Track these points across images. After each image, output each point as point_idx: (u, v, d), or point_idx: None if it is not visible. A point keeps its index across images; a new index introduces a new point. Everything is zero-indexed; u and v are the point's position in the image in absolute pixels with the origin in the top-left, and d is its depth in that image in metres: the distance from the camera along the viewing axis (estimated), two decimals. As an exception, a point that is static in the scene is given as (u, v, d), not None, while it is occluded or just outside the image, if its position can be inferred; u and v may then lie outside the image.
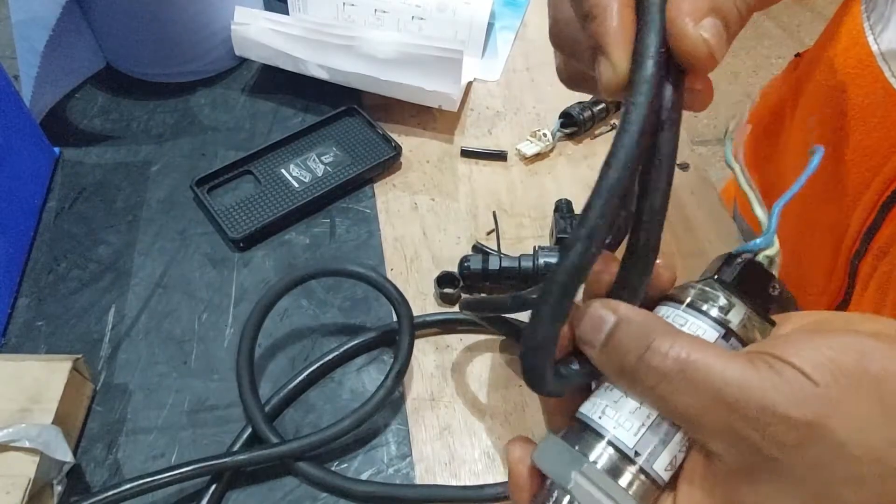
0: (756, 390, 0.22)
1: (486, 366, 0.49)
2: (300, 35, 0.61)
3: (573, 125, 0.63)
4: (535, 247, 0.52)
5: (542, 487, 0.27)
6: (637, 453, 0.25)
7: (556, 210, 0.57)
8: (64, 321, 0.49)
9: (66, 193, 0.57)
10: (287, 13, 0.68)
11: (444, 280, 0.52)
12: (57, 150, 0.59)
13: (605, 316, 0.25)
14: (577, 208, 0.57)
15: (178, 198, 0.57)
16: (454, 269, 0.52)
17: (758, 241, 0.28)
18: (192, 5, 0.61)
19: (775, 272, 0.28)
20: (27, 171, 0.55)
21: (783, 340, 0.24)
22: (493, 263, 0.51)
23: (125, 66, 0.66)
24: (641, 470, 0.25)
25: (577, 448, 0.26)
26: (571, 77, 0.36)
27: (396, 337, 0.46)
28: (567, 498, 0.25)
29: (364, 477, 0.44)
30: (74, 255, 0.53)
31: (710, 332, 0.26)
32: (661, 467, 0.25)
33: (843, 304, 0.53)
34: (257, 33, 0.62)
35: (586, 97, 0.65)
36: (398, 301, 0.46)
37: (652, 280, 0.27)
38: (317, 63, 0.62)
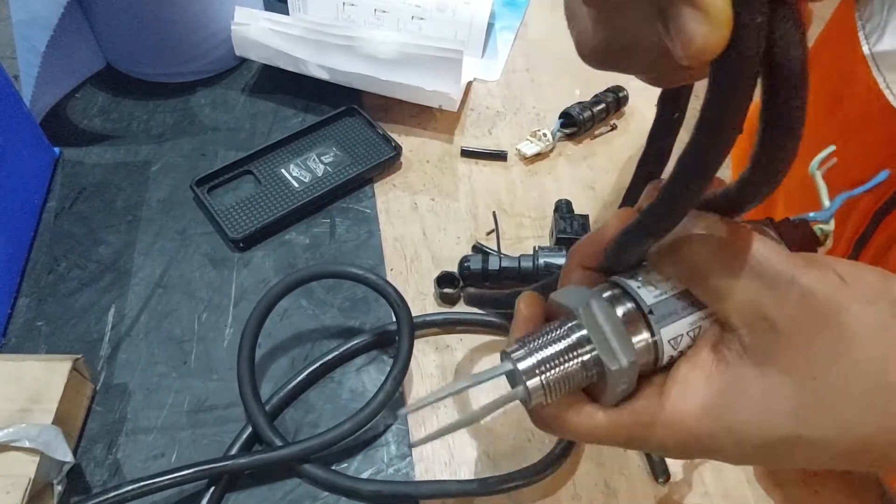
0: (790, 267, 0.23)
1: (485, 366, 0.49)
2: (300, 35, 0.61)
3: (573, 125, 0.63)
4: (535, 247, 0.52)
5: (549, 322, 0.28)
6: (651, 312, 0.25)
7: (556, 210, 0.57)
8: (64, 321, 0.49)
9: (66, 193, 0.57)
10: (287, 13, 0.68)
11: (444, 280, 0.52)
12: (57, 150, 0.59)
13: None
14: (577, 208, 0.57)
15: (178, 198, 0.57)
16: (454, 269, 0.52)
17: (817, 213, 0.30)
18: (192, 5, 0.61)
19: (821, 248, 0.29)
20: (27, 171, 0.55)
21: (825, 256, 0.25)
22: (493, 263, 0.51)
23: (125, 66, 0.66)
24: (649, 328, 0.25)
25: (596, 291, 0.27)
26: (609, 48, 0.25)
27: (396, 338, 0.46)
28: (575, 326, 0.26)
29: (364, 477, 0.44)
30: (74, 255, 0.53)
31: None
32: (668, 337, 0.25)
33: None
34: (257, 33, 0.62)
35: (586, 97, 0.65)
36: (398, 304, 0.46)
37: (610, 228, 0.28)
38: (317, 63, 0.62)
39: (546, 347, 0.26)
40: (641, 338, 0.25)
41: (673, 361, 0.26)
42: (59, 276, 0.52)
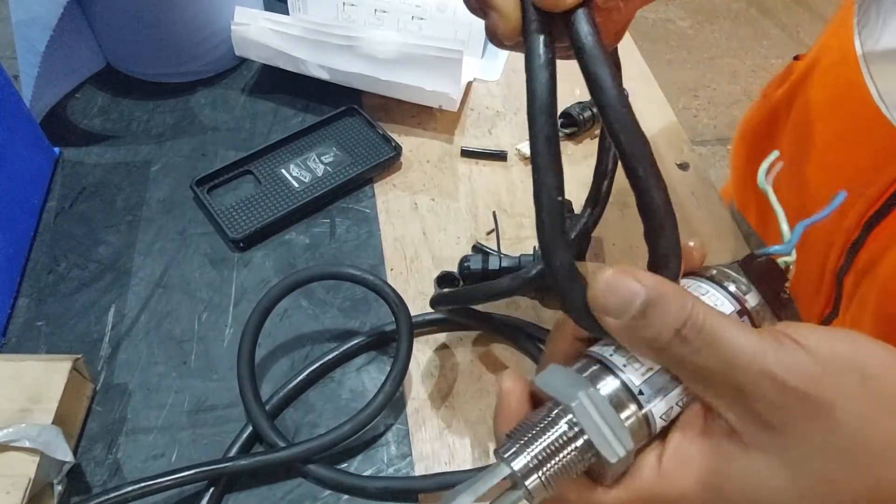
0: (760, 356, 0.23)
1: (485, 365, 0.49)
2: (300, 35, 0.61)
3: (573, 125, 0.63)
4: (535, 247, 0.52)
5: (536, 410, 0.27)
6: (641, 392, 0.26)
7: (555, 210, 0.57)
8: (64, 321, 0.49)
9: (66, 193, 0.57)
10: (287, 13, 0.68)
11: (444, 280, 0.52)
12: (57, 150, 0.59)
13: (633, 288, 0.24)
14: (578, 208, 0.57)
15: (178, 198, 0.57)
16: (454, 269, 0.52)
17: (779, 247, 0.30)
18: (192, 5, 0.61)
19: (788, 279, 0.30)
20: (27, 171, 0.55)
21: (792, 325, 0.25)
22: (493, 263, 0.51)
23: (125, 66, 0.66)
24: (641, 408, 0.26)
25: (584, 376, 0.27)
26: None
27: (396, 338, 0.46)
28: (567, 417, 0.26)
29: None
30: (74, 255, 0.53)
31: (727, 306, 0.27)
32: (659, 413, 0.26)
33: (831, 316, 0.53)
34: (257, 33, 0.62)
35: (586, 97, 0.65)
36: (397, 305, 0.46)
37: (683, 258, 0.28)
38: (317, 63, 0.62)
39: (539, 443, 0.26)
40: (634, 420, 0.26)
41: (665, 429, 0.26)
42: (59, 276, 0.52)
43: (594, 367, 0.27)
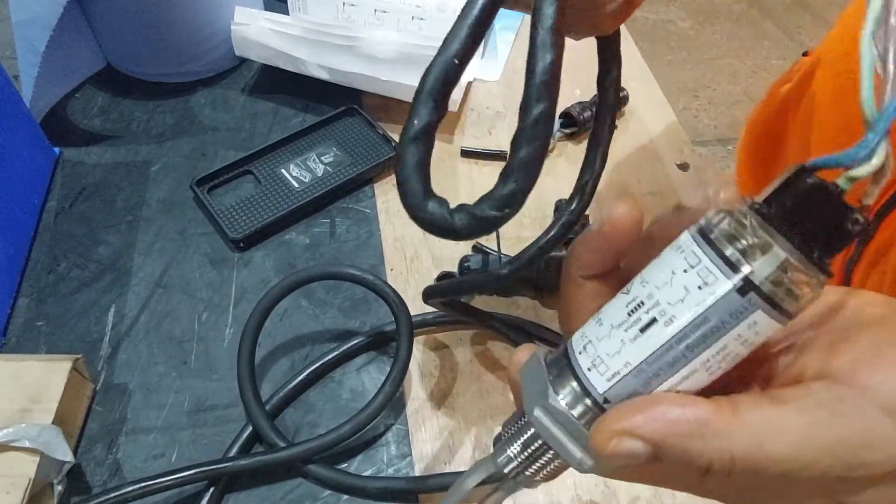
0: (816, 458, 0.20)
1: (485, 365, 0.49)
2: (300, 35, 0.61)
3: (573, 125, 0.63)
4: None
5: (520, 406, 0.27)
6: (607, 401, 0.23)
7: (556, 210, 0.57)
8: (64, 321, 0.49)
9: (66, 193, 0.57)
10: (287, 13, 0.68)
11: (443, 280, 0.52)
12: (57, 150, 0.59)
13: (634, 450, 0.21)
14: (577, 208, 0.57)
15: (178, 198, 0.57)
16: (454, 269, 0.52)
17: (848, 150, 0.19)
18: (192, 5, 0.61)
19: (870, 196, 0.19)
20: (27, 171, 0.55)
21: (849, 374, 0.21)
22: (493, 263, 0.51)
23: (125, 66, 0.66)
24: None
25: (551, 378, 0.25)
26: None
27: (396, 338, 0.46)
28: (531, 431, 0.25)
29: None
30: (74, 255, 0.53)
31: (721, 285, 0.20)
32: None
33: None
34: (257, 33, 0.62)
35: (586, 97, 0.65)
36: (396, 305, 0.46)
37: (611, 225, 0.25)
38: (317, 63, 0.62)
39: (516, 443, 0.26)
40: (584, 413, 0.23)
41: None
42: (59, 276, 0.52)
43: (563, 364, 0.24)
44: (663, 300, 0.22)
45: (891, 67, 0.19)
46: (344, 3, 0.68)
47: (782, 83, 0.62)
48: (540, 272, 0.51)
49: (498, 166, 0.62)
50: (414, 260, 0.55)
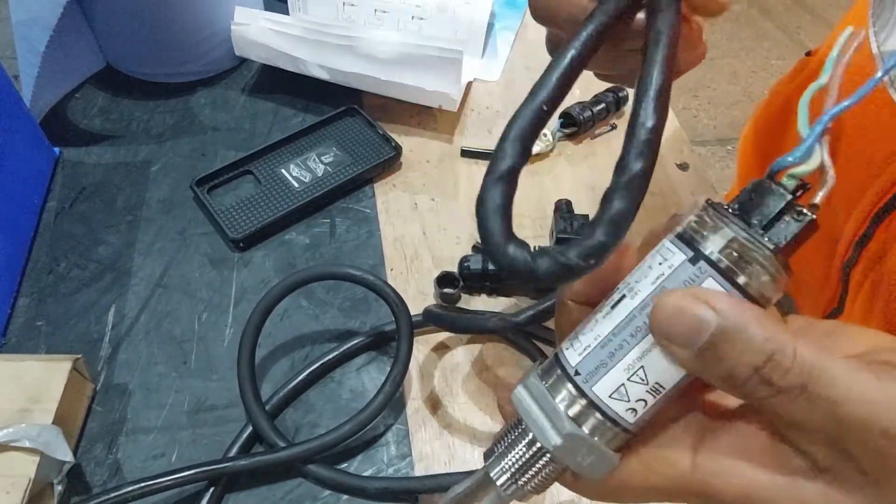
0: (874, 413, 0.20)
1: (485, 365, 0.49)
2: (300, 35, 0.61)
3: (573, 125, 0.63)
4: (535, 247, 0.52)
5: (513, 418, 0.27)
6: (577, 373, 0.24)
7: (556, 210, 0.57)
8: (64, 321, 0.49)
9: (66, 193, 0.57)
10: (287, 13, 0.68)
11: (444, 280, 0.52)
12: (57, 150, 0.59)
13: (703, 316, 0.21)
14: (577, 208, 0.57)
15: (178, 198, 0.57)
16: (454, 269, 0.52)
17: (791, 152, 0.24)
18: (192, 5, 0.61)
19: (818, 195, 0.23)
20: (27, 171, 0.55)
21: None
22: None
23: (125, 66, 0.66)
24: (580, 392, 0.24)
25: (539, 370, 0.26)
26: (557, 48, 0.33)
27: (396, 338, 0.46)
28: (524, 440, 0.25)
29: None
30: (74, 255, 0.53)
31: (677, 258, 0.23)
32: (604, 394, 0.23)
33: (836, 311, 0.53)
34: (257, 33, 0.62)
35: (586, 97, 0.65)
36: (397, 305, 0.46)
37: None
38: (317, 63, 0.62)
39: (505, 447, 0.26)
40: (575, 405, 0.24)
41: (643, 421, 0.24)
42: (59, 276, 0.52)
43: (552, 359, 0.25)
44: (632, 281, 0.24)
45: (835, 87, 0.24)
46: (344, 3, 0.68)
47: (786, 83, 0.62)
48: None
49: (498, 166, 0.62)
50: (414, 260, 0.55)
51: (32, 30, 0.57)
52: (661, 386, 0.23)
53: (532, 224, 0.58)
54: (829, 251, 0.51)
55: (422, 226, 0.57)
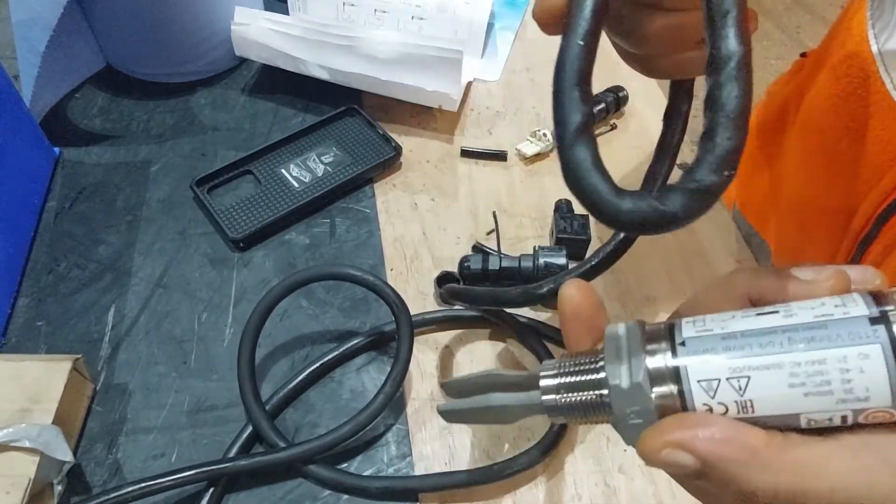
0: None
1: (485, 365, 0.49)
2: (300, 35, 0.61)
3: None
4: (535, 247, 0.52)
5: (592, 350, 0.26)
6: (683, 343, 0.23)
7: (556, 210, 0.57)
8: (64, 321, 0.49)
9: (66, 193, 0.57)
10: (287, 13, 0.68)
11: (444, 280, 0.52)
12: (57, 150, 0.59)
13: (683, 461, 0.22)
14: (577, 208, 0.57)
15: (178, 198, 0.57)
16: (454, 269, 0.52)
17: None
18: (192, 5, 0.61)
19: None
20: (27, 171, 0.55)
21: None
22: (493, 263, 0.51)
23: (125, 66, 0.66)
24: (674, 356, 0.23)
25: (643, 323, 0.24)
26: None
27: (396, 338, 0.46)
28: (601, 355, 0.24)
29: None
30: (74, 255, 0.53)
31: (858, 308, 0.22)
32: (696, 376, 0.22)
33: None
34: (257, 33, 0.62)
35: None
36: (396, 305, 0.46)
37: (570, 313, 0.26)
38: (317, 63, 0.62)
39: (569, 368, 0.25)
40: (661, 366, 0.23)
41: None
42: (59, 276, 0.52)
43: (659, 325, 0.24)
44: (794, 304, 0.22)
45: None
46: (344, 3, 0.68)
47: (782, 84, 0.62)
48: (540, 273, 0.51)
49: (498, 166, 0.62)
50: (414, 260, 0.55)
51: (32, 30, 0.57)
52: (751, 406, 0.22)
53: (532, 224, 0.58)
54: (832, 253, 0.51)
55: (422, 226, 0.57)
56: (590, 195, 0.23)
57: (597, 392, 0.24)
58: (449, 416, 0.29)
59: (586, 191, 0.23)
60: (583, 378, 0.25)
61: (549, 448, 0.44)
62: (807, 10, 2.40)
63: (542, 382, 0.25)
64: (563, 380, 0.25)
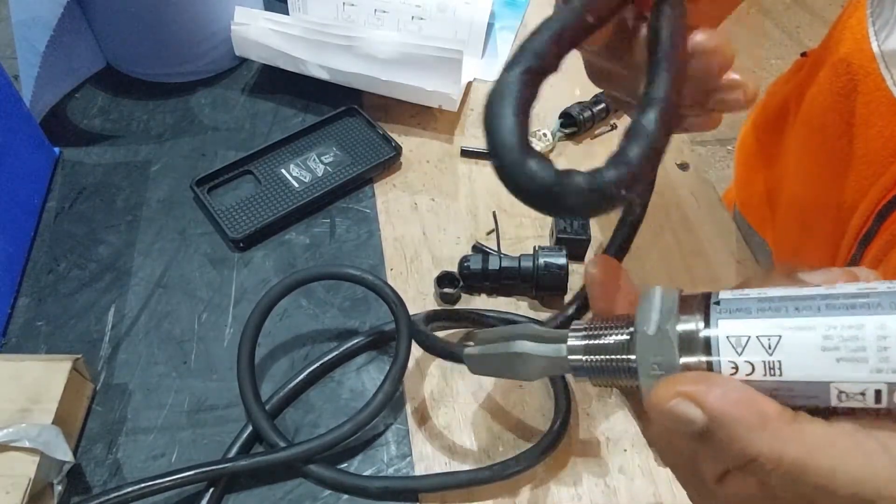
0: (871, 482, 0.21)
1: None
2: (300, 35, 0.61)
3: (573, 125, 0.63)
4: (535, 247, 0.52)
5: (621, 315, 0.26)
6: (717, 302, 0.22)
7: (556, 210, 0.57)
8: (64, 321, 0.49)
9: (66, 193, 0.57)
10: (287, 13, 0.68)
11: (444, 280, 0.52)
12: (57, 150, 0.59)
13: (691, 414, 0.22)
14: (577, 208, 0.57)
15: (178, 198, 0.57)
16: (454, 269, 0.52)
17: None
18: (192, 5, 0.61)
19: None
20: (27, 171, 0.55)
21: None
22: (493, 263, 0.52)
23: (125, 66, 0.66)
24: (706, 317, 0.22)
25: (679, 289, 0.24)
26: (595, 73, 0.34)
27: (395, 338, 0.46)
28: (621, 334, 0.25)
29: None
30: (74, 255, 0.53)
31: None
32: (726, 333, 0.22)
33: None
34: (257, 33, 0.62)
35: (586, 97, 0.65)
36: (396, 305, 0.46)
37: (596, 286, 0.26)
38: (317, 63, 0.62)
39: (602, 334, 0.25)
40: (690, 322, 0.22)
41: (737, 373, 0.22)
42: (59, 276, 0.52)
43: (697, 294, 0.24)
44: (839, 286, 0.22)
45: None
46: (344, 3, 0.68)
47: (783, 83, 0.62)
48: (539, 272, 0.51)
49: (498, 166, 0.62)
50: (414, 260, 0.55)
51: (32, 30, 0.57)
52: (779, 368, 0.21)
53: (532, 224, 0.58)
54: (834, 249, 0.51)
55: (422, 226, 0.57)
56: (495, 137, 0.20)
57: (623, 356, 0.24)
58: (474, 361, 0.28)
59: (495, 131, 0.20)
60: (610, 339, 0.25)
61: (549, 448, 0.44)
62: (807, 9, 2.40)
63: (570, 338, 0.26)
64: (591, 341, 0.25)
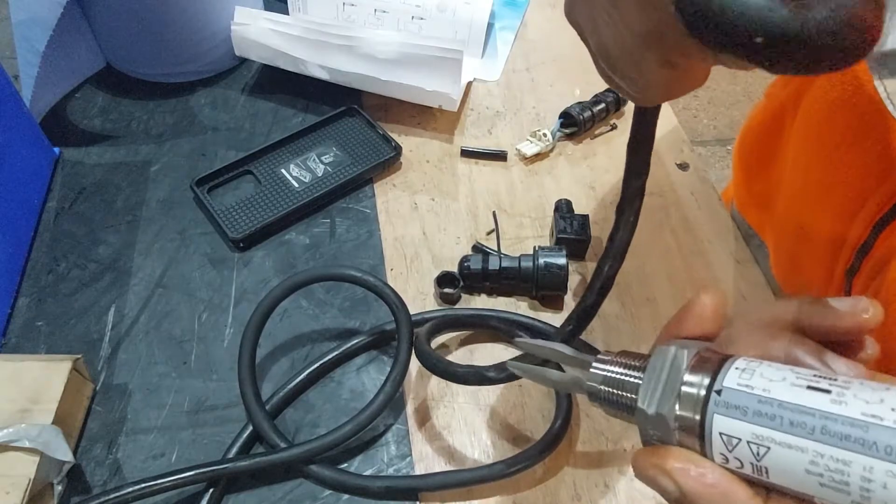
0: None
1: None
2: (300, 35, 0.61)
3: (573, 125, 0.63)
4: (535, 247, 0.52)
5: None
6: (719, 392, 0.23)
7: (556, 210, 0.57)
8: (64, 321, 0.49)
9: (66, 193, 0.57)
10: (287, 13, 0.68)
11: (444, 280, 0.52)
12: (57, 150, 0.59)
13: (667, 486, 0.24)
14: (577, 208, 0.57)
15: (178, 198, 0.57)
16: (454, 269, 0.52)
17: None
18: (192, 5, 0.61)
19: None
20: (27, 171, 0.55)
21: None
22: (493, 263, 0.51)
23: (125, 66, 0.66)
24: (705, 406, 0.24)
25: (695, 347, 0.26)
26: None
27: (396, 338, 0.46)
28: (639, 371, 0.27)
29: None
30: (74, 255, 0.53)
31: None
32: (719, 429, 0.23)
33: None
34: (257, 33, 0.62)
35: (586, 97, 0.65)
36: (396, 306, 0.46)
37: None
38: (317, 63, 0.62)
39: (619, 365, 0.28)
40: (689, 407, 0.24)
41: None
42: (59, 276, 0.52)
43: (712, 356, 0.25)
44: (851, 390, 0.21)
45: None
46: (344, 3, 0.68)
47: (780, 86, 0.62)
48: (539, 272, 0.51)
49: (498, 166, 0.62)
50: (414, 260, 0.55)
51: (32, 30, 0.57)
52: (766, 472, 0.22)
53: (532, 224, 0.58)
54: (832, 259, 0.51)
55: (422, 226, 0.57)
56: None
57: (633, 395, 0.26)
58: (513, 369, 0.34)
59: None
60: (624, 380, 0.27)
61: (549, 448, 0.44)
62: (807, 9, 2.39)
63: (593, 368, 0.28)
64: (609, 374, 0.28)
